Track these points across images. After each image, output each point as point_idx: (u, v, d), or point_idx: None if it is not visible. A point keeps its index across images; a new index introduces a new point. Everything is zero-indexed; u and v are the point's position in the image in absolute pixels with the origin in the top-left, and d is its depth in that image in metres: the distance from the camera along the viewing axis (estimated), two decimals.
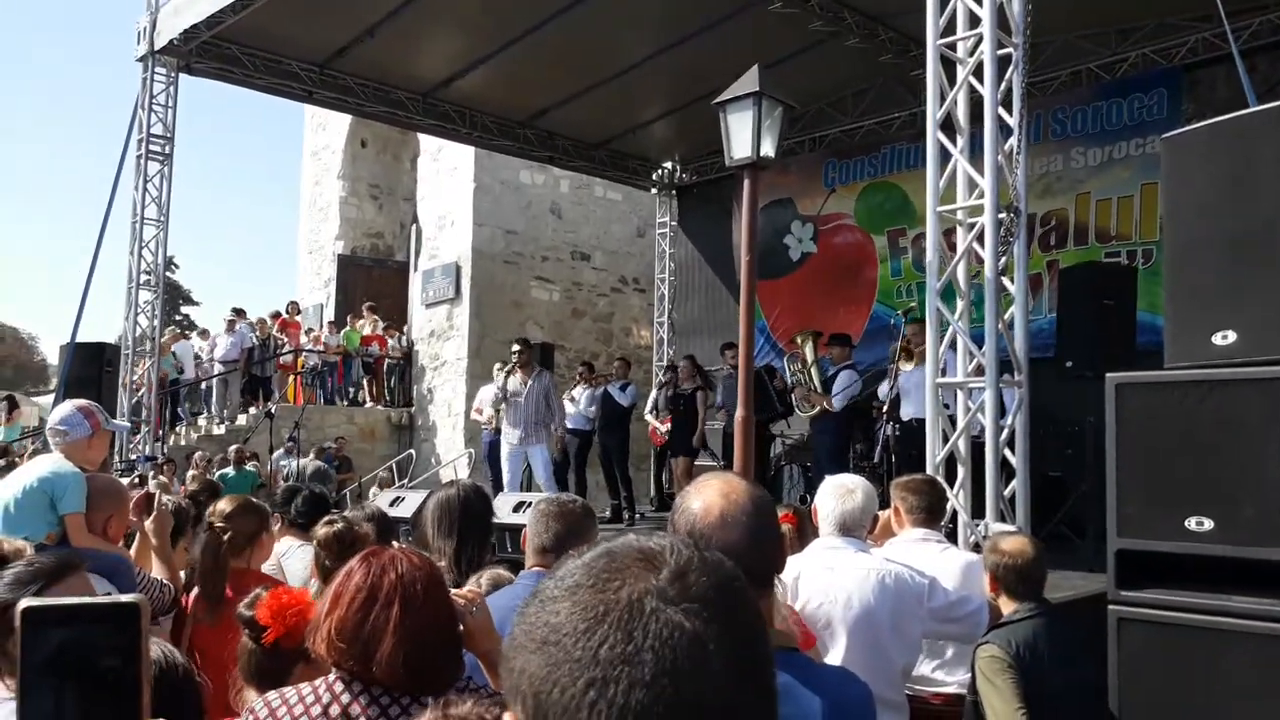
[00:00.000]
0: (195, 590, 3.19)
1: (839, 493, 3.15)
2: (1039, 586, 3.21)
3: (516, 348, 9.23)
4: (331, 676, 1.82)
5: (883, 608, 2.94)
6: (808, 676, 1.58)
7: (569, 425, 10.25)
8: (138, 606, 0.81)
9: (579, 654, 0.68)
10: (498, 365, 10.59)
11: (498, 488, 9.19)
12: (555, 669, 0.69)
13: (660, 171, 14.16)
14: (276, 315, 16.04)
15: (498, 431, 9.91)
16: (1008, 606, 3.14)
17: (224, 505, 3.30)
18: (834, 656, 2.90)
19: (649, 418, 10.57)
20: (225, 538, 3.14)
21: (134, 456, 10.59)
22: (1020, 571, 3.13)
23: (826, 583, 2.98)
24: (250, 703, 1.85)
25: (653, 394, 10.60)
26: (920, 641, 3.15)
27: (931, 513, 3.60)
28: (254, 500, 3.61)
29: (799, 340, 9.08)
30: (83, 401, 3.98)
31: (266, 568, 3.79)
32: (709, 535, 1.56)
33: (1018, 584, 3.14)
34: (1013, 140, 5.21)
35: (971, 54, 5.30)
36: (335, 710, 1.77)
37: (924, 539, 3.51)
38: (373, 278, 18.38)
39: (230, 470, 11.60)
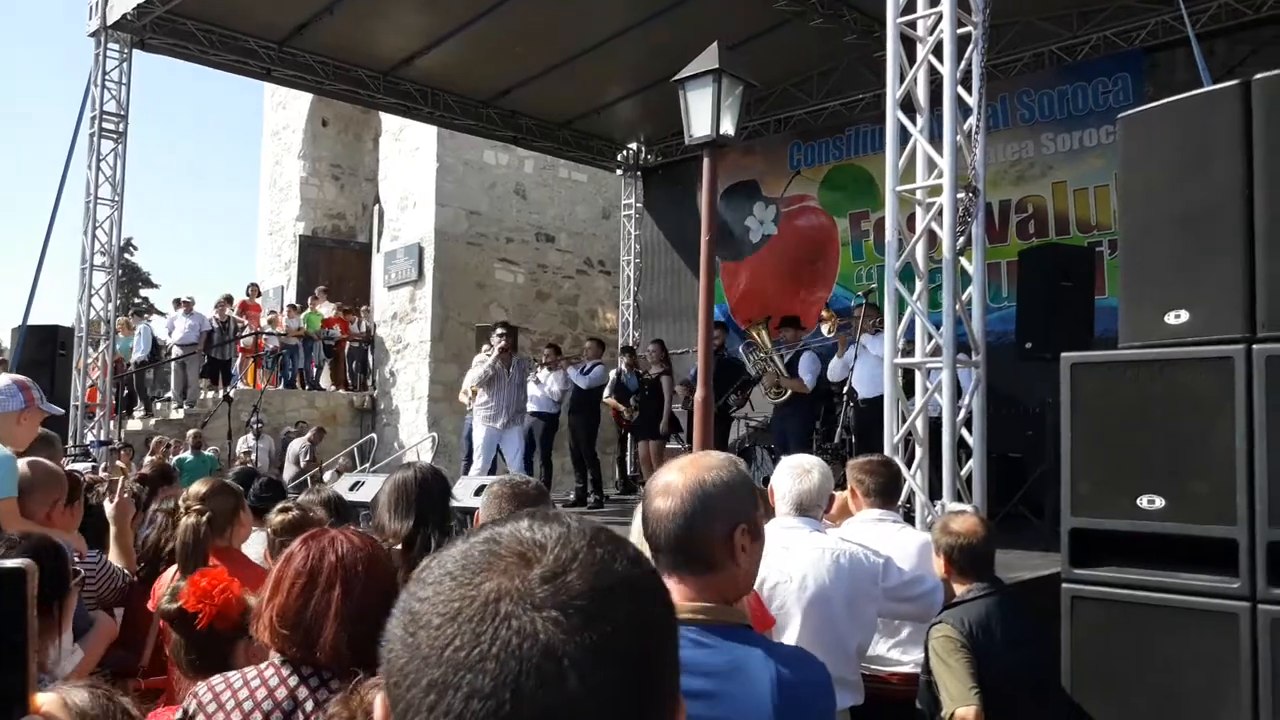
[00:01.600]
0: (173, 571, 3.11)
1: (795, 473, 3.13)
2: (990, 565, 3.22)
3: (502, 331, 9.20)
4: (278, 659, 1.79)
5: (837, 587, 2.93)
6: (764, 653, 1.56)
7: (534, 408, 10.20)
8: (24, 572, 0.75)
9: (427, 650, 0.63)
10: (485, 348, 10.45)
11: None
12: (409, 660, 0.64)
13: (625, 152, 14.07)
14: (229, 299, 15.76)
15: None
16: (960, 586, 3.15)
17: (199, 488, 3.24)
18: (788, 636, 2.89)
19: (610, 400, 10.49)
20: (204, 519, 3.08)
21: (89, 441, 10.40)
22: (972, 551, 3.14)
23: (781, 562, 2.96)
24: (194, 687, 1.82)
25: (611, 375, 10.53)
26: (875, 621, 3.15)
27: (887, 493, 3.60)
28: (227, 481, 3.54)
29: (753, 332, 9.08)
30: (20, 376, 3.84)
31: None
32: (660, 511, 1.56)
33: (970, 564, 3.14)
34: (972, 120, 5.20)
35: (931, 33, 5.28)
36: (281, 694, 1.75)
37: (880, 519, 3.52)
38: (334, 259, 18.16)
39: (188, 454, 11.46)
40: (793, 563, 2.97)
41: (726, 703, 1.47)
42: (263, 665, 1.81)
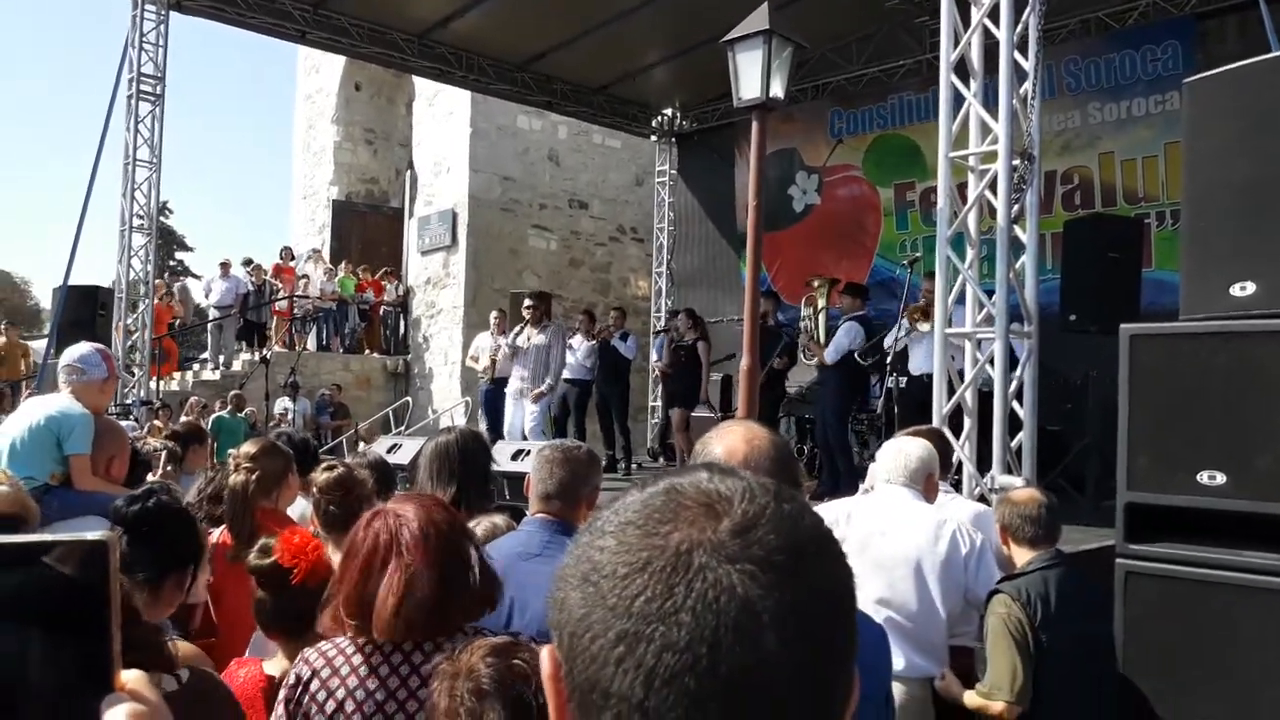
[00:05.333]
0: (220, 531, 3.12)
1: (901, 447, 3.28)
2: (1053, 536, 3.19)
3: (530, 302, 9.16)
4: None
5: (937, 555, 3.03)
6: None
7: (569, 375, 10.18)
8: (106, 544, 0.72)
9: (613, 601, 0.60)
10: (494, 314, 10.51)
11: (495, 437, 9.13)
12: (591, 612, 0.61)
13: (660, 118, 13.95)
14: (258, 266, 15.79)
15: (493, 382, 9.86)
16: (1021, 558, 3.12)
17: (249, 447, 3.24)
18: (886, 593, 3.05)
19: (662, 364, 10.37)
20: (253, 478, 3.08)
21: (129, 400, 10.51)
22: (1034, 520, 3.12)
23: (882, 525, 3.09)
24: (303, 653, 1.83)
25: (654, 343, 10.45)
26: (962, 591, 3.16)
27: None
28: (278, 442, 3.54)
29: (815, 284, 8.92)
30: (100, 345, 4.05)
31: None
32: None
33: (1033, 533, 3.12)
34: (1028, 85, 5.07)
35: None
36: (377, 659, 1.77)
37: None
38: (368, 224, 18.19)
39: (225, 414, 11.59)
40: (897, 528, 3.09)
41: None
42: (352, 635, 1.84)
